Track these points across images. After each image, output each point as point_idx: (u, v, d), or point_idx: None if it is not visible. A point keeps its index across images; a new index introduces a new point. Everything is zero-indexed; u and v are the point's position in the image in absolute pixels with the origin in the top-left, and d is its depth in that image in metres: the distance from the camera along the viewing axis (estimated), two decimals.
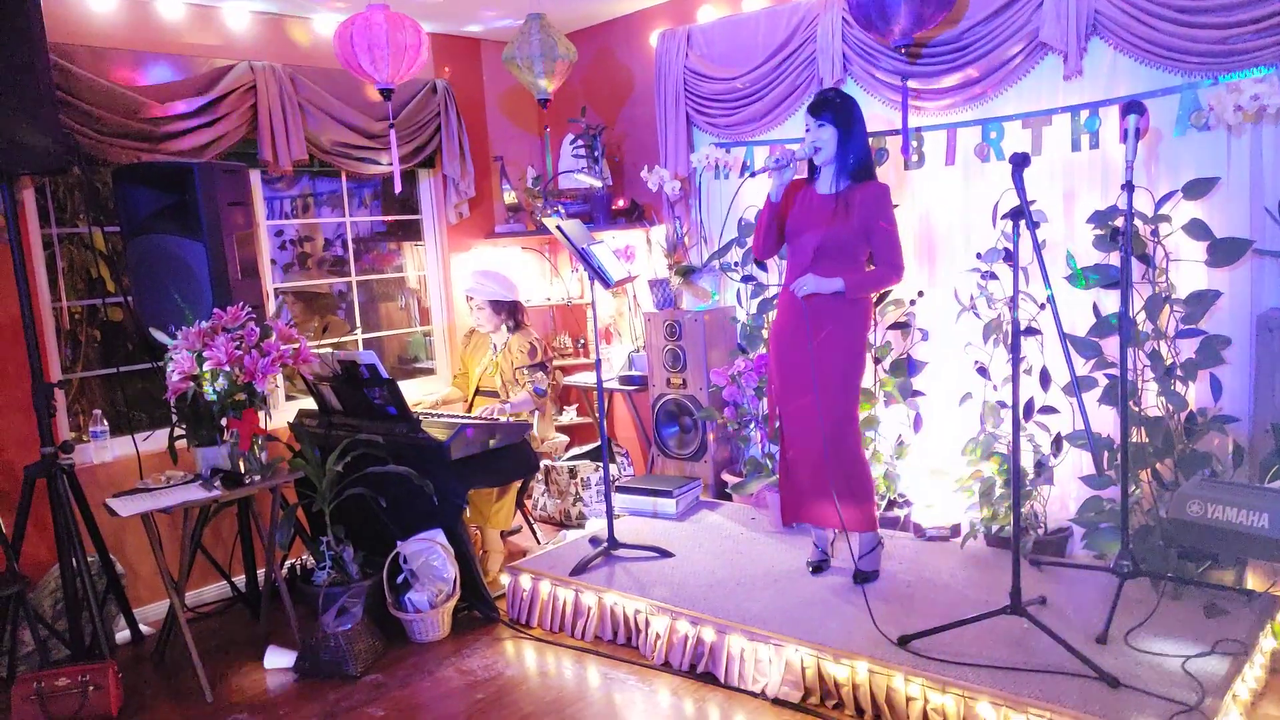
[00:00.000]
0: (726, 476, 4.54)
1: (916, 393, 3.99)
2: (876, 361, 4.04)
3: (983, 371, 3.73)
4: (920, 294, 4.00)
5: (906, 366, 4.00)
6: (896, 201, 3.99)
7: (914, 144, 3.94)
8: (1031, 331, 3.56)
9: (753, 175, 3.55)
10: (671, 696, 3.13)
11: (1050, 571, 3.44)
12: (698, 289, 4.56)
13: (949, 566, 3.58)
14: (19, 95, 3.21)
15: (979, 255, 3.69)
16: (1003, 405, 3.69)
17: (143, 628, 3.88)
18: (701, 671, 3.22)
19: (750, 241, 4.38)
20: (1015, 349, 2.88)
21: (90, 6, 3.88)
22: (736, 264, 4.47)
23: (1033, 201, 3.26)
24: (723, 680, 3.15)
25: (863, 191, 3.31)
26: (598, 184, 4.76)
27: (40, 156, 3.30)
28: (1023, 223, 2.79)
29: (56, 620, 3.59)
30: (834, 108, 3.31)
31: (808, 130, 3.36)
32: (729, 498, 4.51)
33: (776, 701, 3.01)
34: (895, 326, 4.04)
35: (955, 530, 3.85)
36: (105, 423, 3.92)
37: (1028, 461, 3.59)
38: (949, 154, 3.89)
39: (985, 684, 2.66)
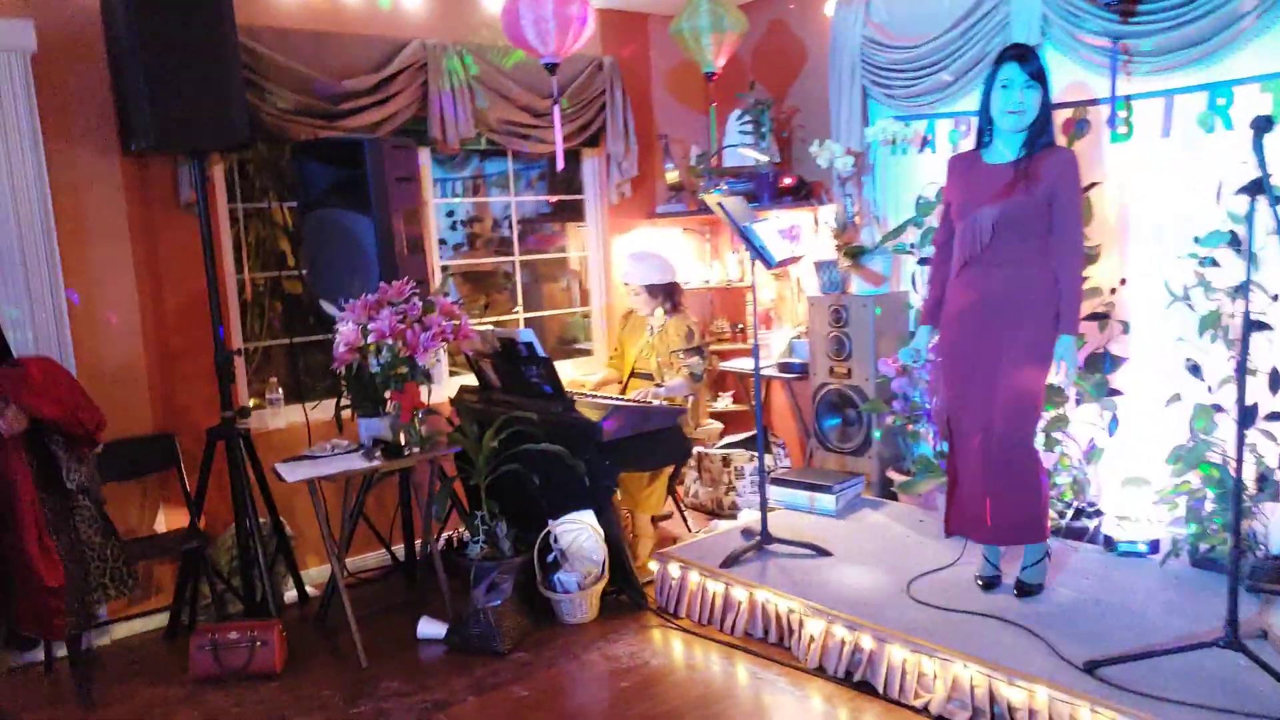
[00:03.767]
0: (892, 474, 4.25)
1: (1114, 391, 3.58)
2: None
3: (1195, 370, 3.30)
4: (1123, 282, 3.59)
5: (1103, 362, 3.60)
6: (1097, 179, 3.60)
7: (1122, 114, 3.52)
8: (1261, 325, 3.10)
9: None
10: (824, 704, 2.94)
11: (1273, 602, 2.99)
12: (868, 272, 4.28)
13: (1145, 587, 3.19)
14: (210, 76, 3.37)
15: (1197, 240, 3.26)
16: (1218, 409, 3.25)
17: (308, 589, 4.04)
18: (858, 680, 3.00)
19: (929, 222, 4.09)
20: (1245, 344, 2.50)
21: None
22: (913, 245, 4.15)
23: (1271, 175, 2.82)
24: (881, 691, 2.93)
25: (1049, 158, 2.96)
26: (764, 159, 4.55)
27: (228, 134, 3.46)
28: (1261, 198, 2.40)
29: (232, 576, 3.78)
30: (1042, 65, 2.99)
31: (1005, 86, 2.99)
32: (894, 497, 4.22)
33: None
34: (1092, 318, 3.64)
35: (1154, 546, 3.43)
36: (280, 391, 4.09)
37: (1249, 474, 3.14)
38: (1165, 124, 3.44)
39: None
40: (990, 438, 3.07)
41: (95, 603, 3.17)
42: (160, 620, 3.75)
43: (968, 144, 4.00)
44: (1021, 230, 2.97)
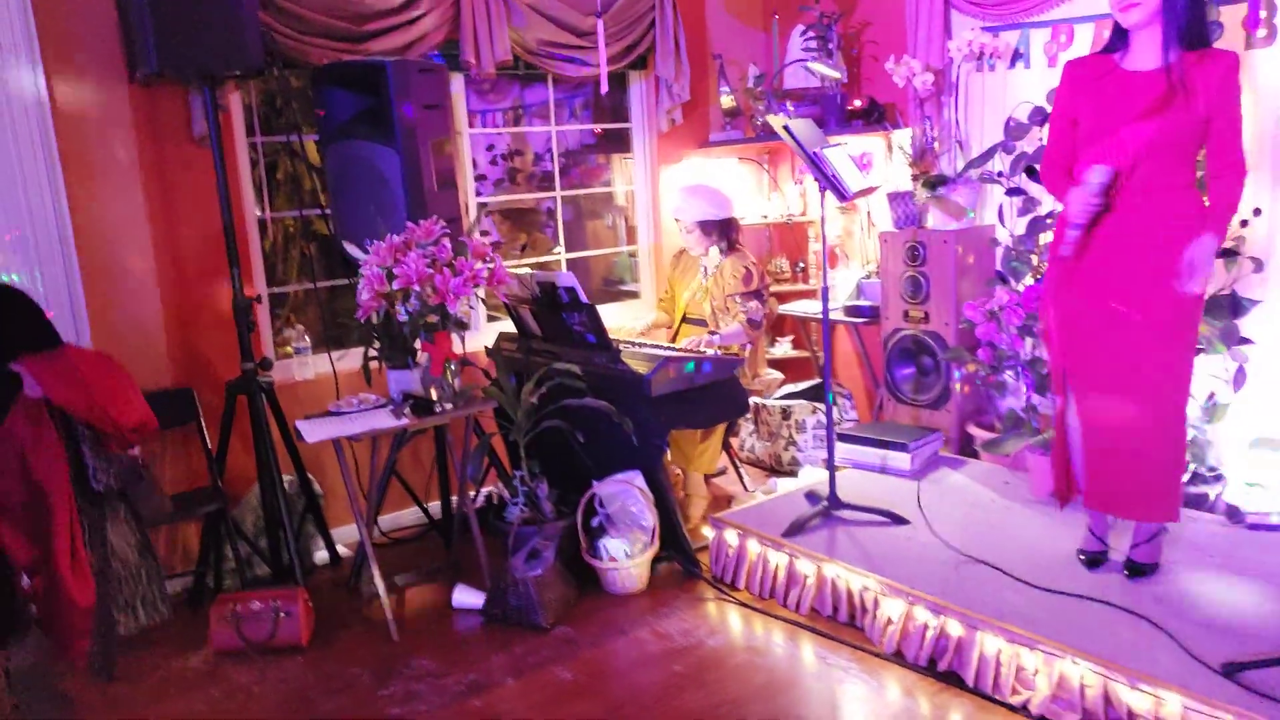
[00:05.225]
0: (974, 430, 3.84)
1: (1243, 340, 3.11)
2: None
3: None
4: (1257, 212, 3.09)
5: (1229, 306, 3.13)
6: None
7: (1263, 14, 2.99)
8: None
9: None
10: (904, 696, 2.60)
11: None
12: (949, 204, 3.80)
13: None
14: None
15: None
16: None
17: (340, 549, 3.80)
18: (944, 670, 2.66)
19: (1021, 147, 3.60)
20: None
21: None
22: (1001, 174, 3.67)
23: None
24: (971, 684, 2.57)
25: (1207, 63, 2.46)
26: (835, 74, 4.06)
27: (240, 58, 3.11)
28: None
29: (259, 537, 3.55)
30: None
31: None
32: (974, 455, 3.82)
33: None
34: (1219, 255, 3.15)
35: None
36: (307, 339, 3.80)
37: None
38: None
39: None
40: (1134, 395, 2.63)
41: (118, 623, 2.82)
42: (184, 583, 3.54)
43: (1065, 57, 3.51)
44: (1175, 152, 2.51)
